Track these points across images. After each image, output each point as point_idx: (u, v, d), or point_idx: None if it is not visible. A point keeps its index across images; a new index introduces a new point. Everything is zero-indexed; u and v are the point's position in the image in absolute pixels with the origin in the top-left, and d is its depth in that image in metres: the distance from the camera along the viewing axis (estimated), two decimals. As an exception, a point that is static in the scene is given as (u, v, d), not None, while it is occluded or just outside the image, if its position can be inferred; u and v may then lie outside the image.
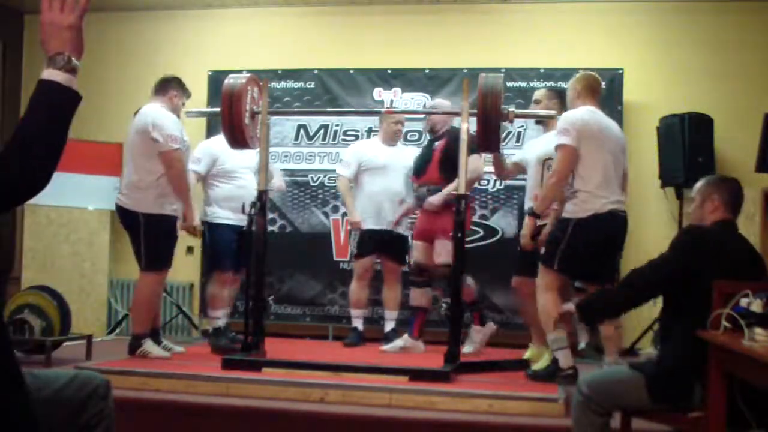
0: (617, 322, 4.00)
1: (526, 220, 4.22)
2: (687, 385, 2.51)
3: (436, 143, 5.03)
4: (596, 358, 4.13)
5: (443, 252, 4.72)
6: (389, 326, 5.36)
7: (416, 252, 5.08)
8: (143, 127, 4.34)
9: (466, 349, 4.87)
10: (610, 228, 3.90)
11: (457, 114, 4.53)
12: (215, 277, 5.08)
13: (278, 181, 5.43)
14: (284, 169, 6.07)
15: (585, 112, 3.94)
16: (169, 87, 4.52)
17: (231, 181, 4.98)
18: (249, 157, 4.89)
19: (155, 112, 4.36)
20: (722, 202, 2.72)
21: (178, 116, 4.58)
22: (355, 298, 5.37)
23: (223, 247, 4.93)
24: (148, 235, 4.35)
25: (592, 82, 4.10)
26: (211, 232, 5.03)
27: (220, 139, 4.73)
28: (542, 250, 4.08)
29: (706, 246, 2.61)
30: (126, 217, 4.43)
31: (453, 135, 4.82)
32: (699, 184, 2.82)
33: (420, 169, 5.03)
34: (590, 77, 4.14)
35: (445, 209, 4.76)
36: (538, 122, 4.89)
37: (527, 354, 4.82)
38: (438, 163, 4.93)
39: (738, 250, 2.66)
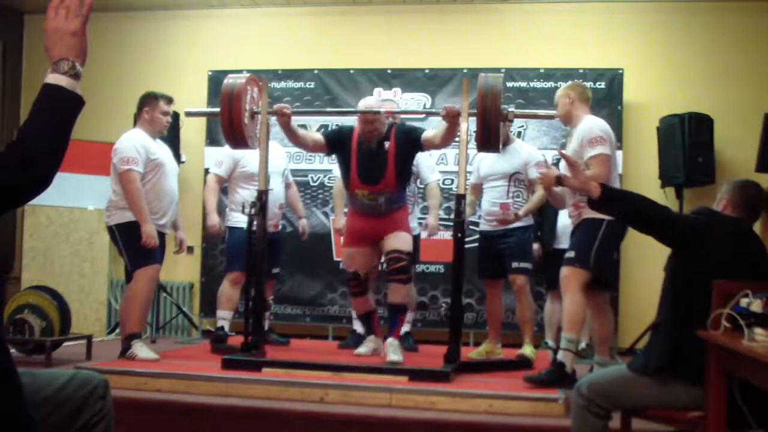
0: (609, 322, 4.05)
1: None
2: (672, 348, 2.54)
3: (386, 143, 4.49)
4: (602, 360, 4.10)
5: (402, 240, 4.51)
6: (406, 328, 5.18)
7: (354, 258, 4.62)
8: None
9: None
10: (625, 228, 3.98)
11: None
12: (225, 277, 5.08)
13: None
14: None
15: (604, 122, 4.09)
16: (142, 107, 4.64)
17: (251, 184, 4.86)
18: (271, 161, 4.72)
19: (120, 138, 4.57)
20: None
21: (164, 127, 4.64)
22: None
23: (236, 250, 4.89)
24: (123, 241, 4.51)
25: (585, 91, 4.23)
26: (230, 235, 5.07)
27: None
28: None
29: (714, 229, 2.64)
30: (109, 233, 4.62)
31: (400, 132, 4.51)
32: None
33: (373, 177, 4.45)
34: (583, 86, 4.30)
35: (392, 212, 4.55)
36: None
37: (479, 350, 4.92)
38: (395, 168, 4.44)
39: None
